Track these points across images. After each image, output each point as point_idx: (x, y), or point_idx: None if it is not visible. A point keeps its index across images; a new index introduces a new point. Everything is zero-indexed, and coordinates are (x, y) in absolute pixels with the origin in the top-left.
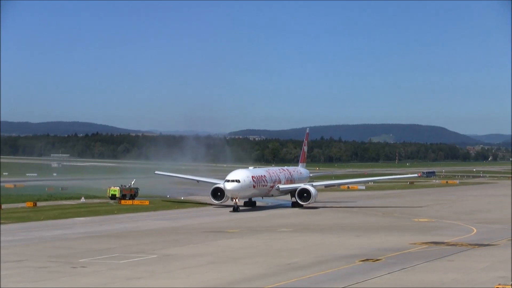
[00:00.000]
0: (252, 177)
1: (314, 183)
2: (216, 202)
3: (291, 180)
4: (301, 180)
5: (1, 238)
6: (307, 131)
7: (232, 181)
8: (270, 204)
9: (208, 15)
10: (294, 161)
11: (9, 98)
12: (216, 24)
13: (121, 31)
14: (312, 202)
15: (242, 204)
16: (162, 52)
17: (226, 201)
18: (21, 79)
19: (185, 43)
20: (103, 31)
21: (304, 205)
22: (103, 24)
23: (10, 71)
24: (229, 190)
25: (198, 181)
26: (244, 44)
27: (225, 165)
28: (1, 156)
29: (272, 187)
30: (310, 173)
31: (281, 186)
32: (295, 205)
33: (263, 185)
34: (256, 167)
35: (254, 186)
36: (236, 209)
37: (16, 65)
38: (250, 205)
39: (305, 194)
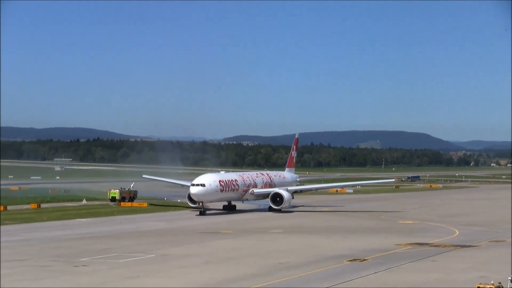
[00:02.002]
0: (220, 181)
1: (289, 188)
2: (193, 205)
3: (270, 185)
4: (283, 184)
5: (6, 238)
6: (297, 136)
7: (197, 185)
8: (261, 207)
9: (203, 22)
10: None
11: (14, 104)
12: (211, 31)
13: (122, 38)
14: (286, 206)
15: (222, 207)
16: (160, 60)
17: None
18: (26, 86)
19: (181, 51)
20: (103, 38)
21: (281, 209)
22: (104, 30)
23: (15, 78)
24: (194, 194)
25: (182, 185)
26: (238, 51)
27: (219, 170)
28: (6, 160)
29: (245, 191)
30: (300, 177)
31: (255, 190)
32: (271, 209)
33: (234, 189)
34: (228, 171)
35: (221, 190)
36: (202, 213)
37: (20, 73)
38: (230, 208)
39: (278, 198)
